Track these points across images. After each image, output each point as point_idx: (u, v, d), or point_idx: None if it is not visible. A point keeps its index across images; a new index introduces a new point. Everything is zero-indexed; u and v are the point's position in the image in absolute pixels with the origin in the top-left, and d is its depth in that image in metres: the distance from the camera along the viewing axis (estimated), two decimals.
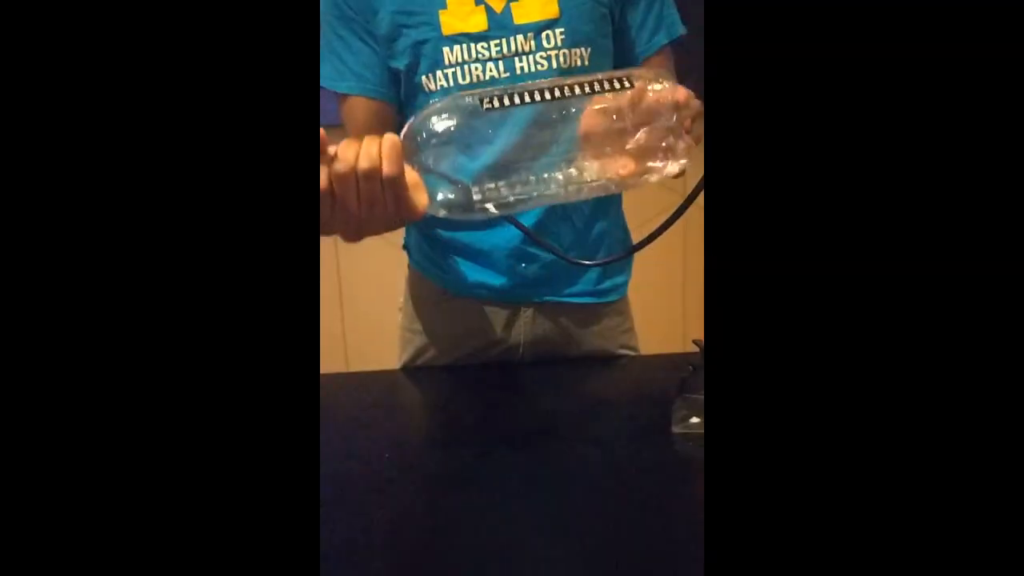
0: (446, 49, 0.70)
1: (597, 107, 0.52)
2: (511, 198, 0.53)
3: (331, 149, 0.48)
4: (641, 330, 0.92)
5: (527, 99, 0.51)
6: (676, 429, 0.61)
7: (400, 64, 0.71)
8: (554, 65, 0.72)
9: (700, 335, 0.65)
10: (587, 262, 0.76)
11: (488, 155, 0.53)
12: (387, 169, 0.48)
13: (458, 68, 0.71)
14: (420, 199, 0.50)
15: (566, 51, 0.72)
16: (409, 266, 0.90)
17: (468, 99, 0.52)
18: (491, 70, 0.71)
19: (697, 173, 0.61)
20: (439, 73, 0.71)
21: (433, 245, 0.83)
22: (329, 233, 0.52)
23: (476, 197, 0.52)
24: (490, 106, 0.50)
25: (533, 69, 0.72)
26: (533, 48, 0.71)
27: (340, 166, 0.48)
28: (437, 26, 0.70)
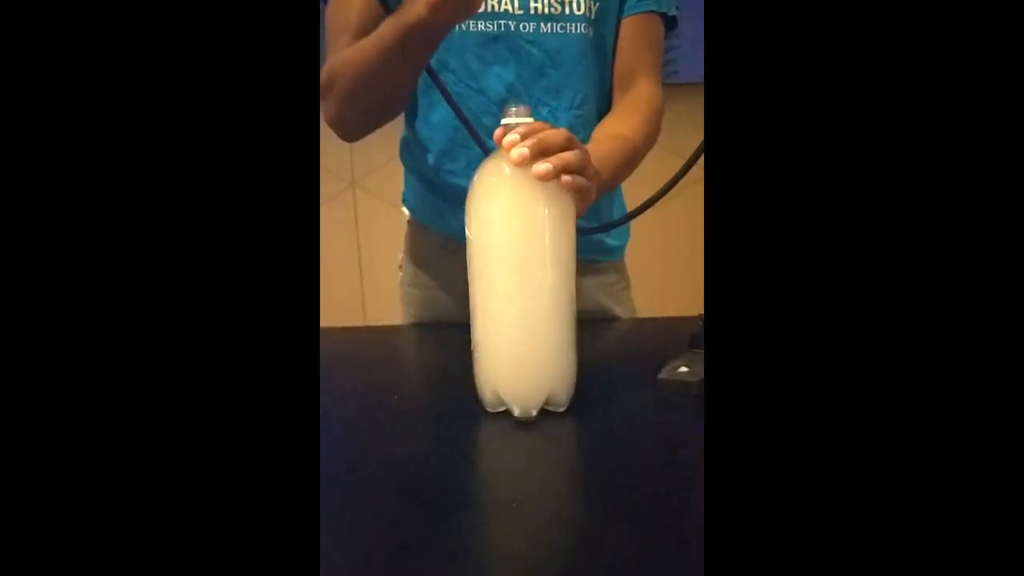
0: None
1: None
2: None
3: None
4: (656, 298, 0.94)
5: None
6: (661, 376, 0.64)
7: None
8: (566, 11, 0.76)
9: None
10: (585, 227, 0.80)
11: None
12: None
13: None
14: None
15: None
16: (409, 222, 0.92)
17: None
18: (506, 3, 0.76)
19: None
20: None
21: (436, 193, 0.86)
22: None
23: None
24: None
25: (545, 11, 0.76)
26: None
27: None
28: None
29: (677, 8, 0.86)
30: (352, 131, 0.78)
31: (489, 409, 0.59)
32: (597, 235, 0.87)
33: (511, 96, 0.78)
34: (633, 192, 0.90)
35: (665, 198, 0.70)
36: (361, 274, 2.14)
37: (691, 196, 1.46)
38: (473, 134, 0.74)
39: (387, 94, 0.74)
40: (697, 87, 1.39)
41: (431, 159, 0.83)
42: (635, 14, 0.82)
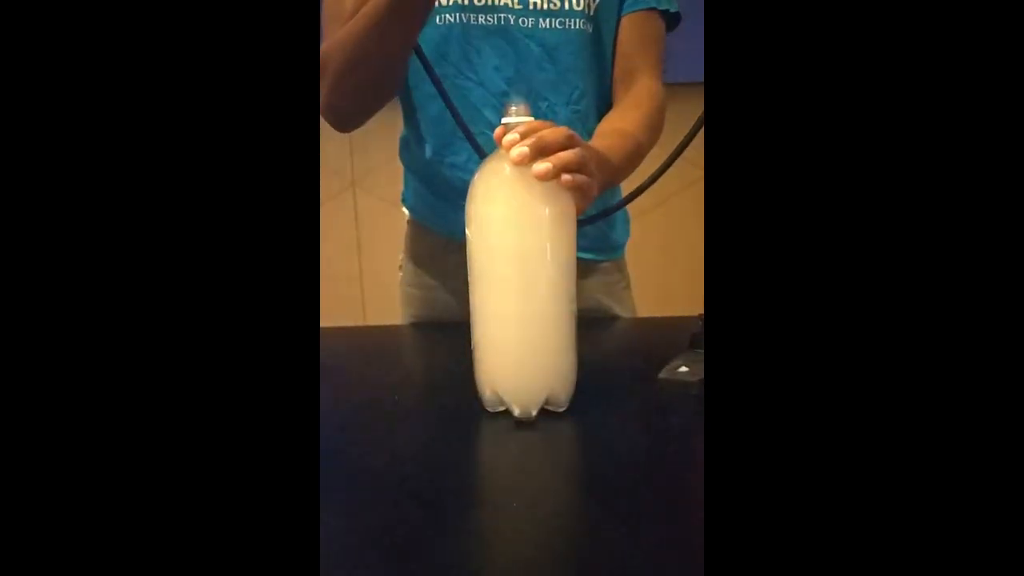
0: None
1: None
2: None
3: None
4: (656, 298, 0.94)
5: None
6: (661, 376, 0.64)
7: None
8: (565, 6, 0.77)
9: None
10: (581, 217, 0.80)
11: None
12: None
13: None
14: None
15: None
16: (409, 221, 0.93)
17: None
18: None
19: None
20: None
21: (434, 191, 0.86)
22: None
23: None
24: None
25: (544, 6, 0.76)
26: None
27: None
28: None
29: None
30: (344, 117, 0.77)
31: (489, 409, 0.59)
32: (601, 230, 0.87)
33: (511, 89, 0.78)
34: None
35: (666, 197, 0.70)
36: (361, 274, 2.14)
37: (691, 196, 1.46)
38: (466, 131, 0.74)
39: (378, 72, 0.73)
40: (686, 86, 1.38)
41: (429, 151, 0.83)
42: (635, 11, 0.82)
